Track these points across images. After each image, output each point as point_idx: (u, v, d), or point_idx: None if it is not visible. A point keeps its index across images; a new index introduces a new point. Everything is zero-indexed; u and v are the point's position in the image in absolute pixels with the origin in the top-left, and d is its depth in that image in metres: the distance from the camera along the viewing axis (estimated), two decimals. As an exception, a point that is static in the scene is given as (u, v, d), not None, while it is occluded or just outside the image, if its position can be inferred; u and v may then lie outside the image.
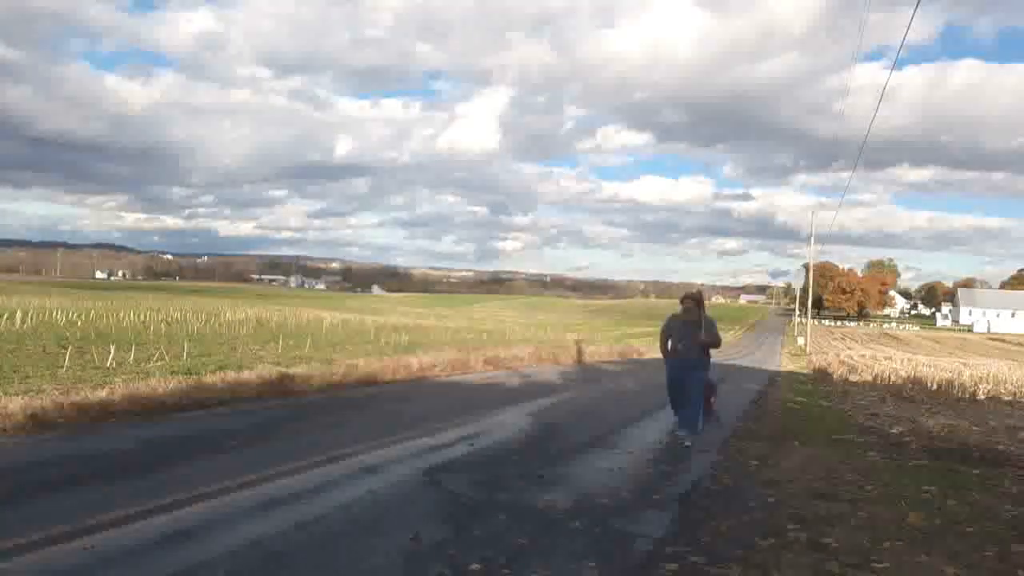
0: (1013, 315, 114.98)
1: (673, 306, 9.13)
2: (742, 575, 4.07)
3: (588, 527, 4.87)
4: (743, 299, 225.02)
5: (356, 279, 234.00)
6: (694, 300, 8.55)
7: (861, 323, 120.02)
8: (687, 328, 8.42)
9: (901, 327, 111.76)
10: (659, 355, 9.21)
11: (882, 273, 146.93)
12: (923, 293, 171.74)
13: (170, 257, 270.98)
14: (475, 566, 3.99)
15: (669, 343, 8.66)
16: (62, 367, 10.75)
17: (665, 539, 4.69)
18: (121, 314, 24.96)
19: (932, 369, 25.32)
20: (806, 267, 69.39)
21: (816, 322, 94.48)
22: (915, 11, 10.81)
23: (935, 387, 18.71)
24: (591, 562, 4.19)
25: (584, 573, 4.05)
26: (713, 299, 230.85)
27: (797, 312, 75.32)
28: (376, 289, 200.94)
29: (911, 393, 16.97)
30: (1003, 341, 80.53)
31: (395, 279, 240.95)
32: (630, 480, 6.45)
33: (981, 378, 20.79)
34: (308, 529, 4.53)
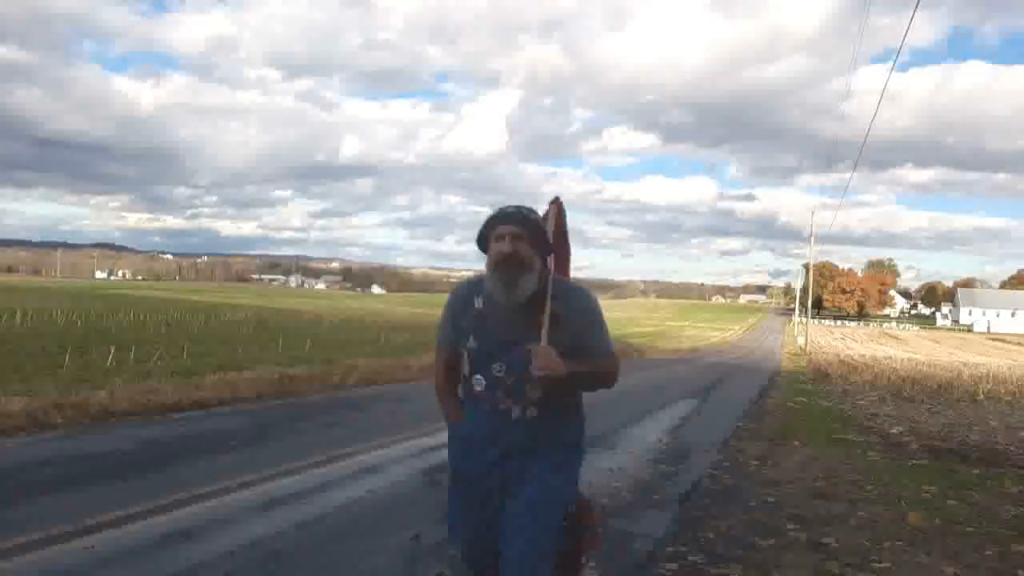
0: (1013, 315, 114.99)
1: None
2: (742, 575, 4.07)
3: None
4: (743, 299, 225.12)
5: (356, 279, 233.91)
6: (524, 229, 2.53)
7: (861, 323, 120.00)
8: (513, 324, 2.54)
9: (901, 327, 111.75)
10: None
11: (882, 273, 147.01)
12: (923, 293, 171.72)
13: (170, 257, 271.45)
14: (475, 566, 3.99)
15: (465, 368, 2.65)
16: (62, 367, 10.76)
17: (665, 539, 4.70)
18: (121, 314, 24.97)
19: (932, 369, 25.33)
20: (806, 267, 69.38)
21: (816, 322, 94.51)
22: (913, 14, 10.81)
23: (935, 387, 18.70)
24: (591, 562, 4.19)
25: (584, 573, 4.05)
26: (714, 299, 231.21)
27: (797, 312, 75.32)
28: (376, 288, 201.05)
29: (911, 393, 16.96)
30: (1003, 341, 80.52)
31: (395, 279, 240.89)
32: (630, 480, 6.46)
33: (981, 378, 20.80)
34: (308, 529, 4.54)
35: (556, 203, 2.85)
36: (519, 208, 2.58)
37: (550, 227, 2.74)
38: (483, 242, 2.61)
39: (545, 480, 2.55)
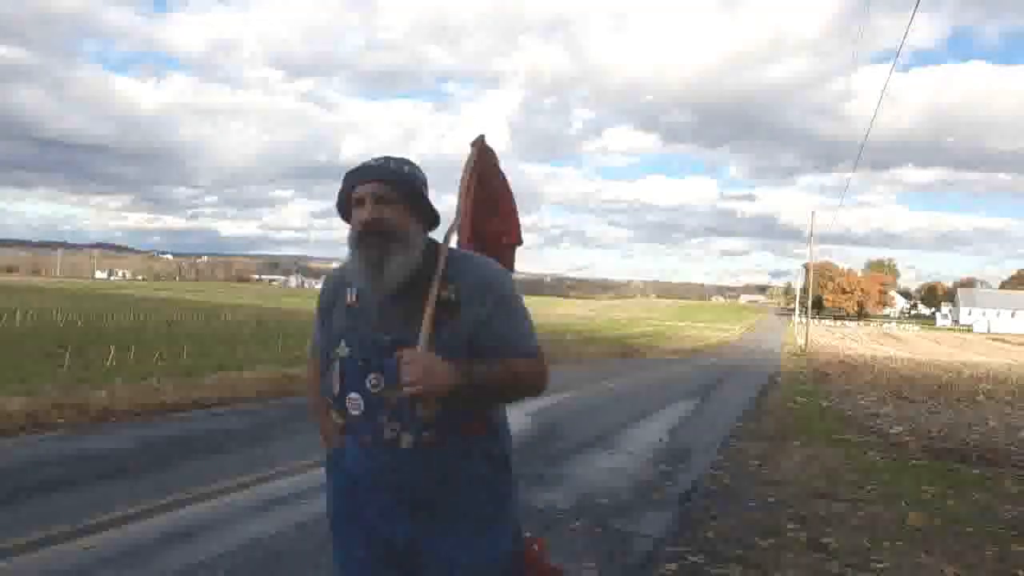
0: (1013, 315, 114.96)
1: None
2: (742, 575, 4.07)
3: (588, 527, 4.87)
4: (743, 299, 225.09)
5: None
6: (392, 187, 1.82)
7: (861, 323, 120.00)
8: (393, 320, 1.83)
9: (901, 327, 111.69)
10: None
11: (882, 273, 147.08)
12: (923, 293, 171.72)
13: (170, 257, 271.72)
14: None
15: (336, 384, 1.86)
16: (62, 367, 10.76)
17: (665, 539, 4.70)
18: (121, 314, 24.97)
19: (932, 369, 25.34)
20: (806, 267, 69.41)
21: (816, 322, 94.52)
22: (913, 15, 10.81)
23: (935, 387, 18.71)
24: (591, 562, 4.19)
25: (584, 573, 4.05)
26: (714, 299, 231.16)
27: (797, 312, 75.37)
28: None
29: (911, 393, 16.96)
30: (1003, 341, 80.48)
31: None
32: (630, 480, 6.46)
33: (981, 378, 20.81)
34: (308, 529, 4.53)
35: (477, 144, 2.13)
36: (386, 159, 1.87)
37: (466, 177, 2.09)
38: (344, 208, 1.90)
39: (473, 544, 1.86)
